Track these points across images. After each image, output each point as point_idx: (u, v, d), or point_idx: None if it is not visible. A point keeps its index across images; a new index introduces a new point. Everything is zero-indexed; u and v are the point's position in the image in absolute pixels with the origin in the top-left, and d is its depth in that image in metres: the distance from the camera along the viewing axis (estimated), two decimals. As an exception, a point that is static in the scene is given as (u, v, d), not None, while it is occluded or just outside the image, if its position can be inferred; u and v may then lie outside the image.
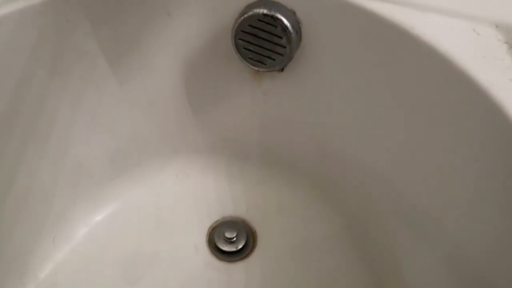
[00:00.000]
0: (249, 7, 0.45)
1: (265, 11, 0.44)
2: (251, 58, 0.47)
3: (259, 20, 0.44)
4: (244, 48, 0.47)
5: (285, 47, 0.45)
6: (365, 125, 0.48)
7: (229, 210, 0.58)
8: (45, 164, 0.50)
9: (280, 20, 0.43)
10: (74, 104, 0.50)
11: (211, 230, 0.56)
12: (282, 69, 0.50)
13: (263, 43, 0.46)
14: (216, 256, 0.53)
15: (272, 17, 0.44)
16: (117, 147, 0.56)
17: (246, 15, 0.44)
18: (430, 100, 0.40)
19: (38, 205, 0.51)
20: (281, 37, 0.45)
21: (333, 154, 0.53)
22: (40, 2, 0.41)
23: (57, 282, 0.51)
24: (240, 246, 0.54)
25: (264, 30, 0.45)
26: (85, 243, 0.54)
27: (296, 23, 0.45)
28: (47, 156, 0.50)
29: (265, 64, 0.47)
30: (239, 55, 0.48)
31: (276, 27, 0.44)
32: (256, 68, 0.48)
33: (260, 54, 0.47)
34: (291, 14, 0.45)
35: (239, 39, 0.46)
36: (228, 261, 0.53)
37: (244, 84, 0.52)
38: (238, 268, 0.53)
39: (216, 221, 0.57)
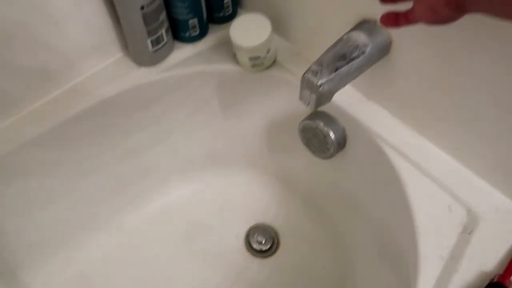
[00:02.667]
0: (316, 113, 0.63)
1: (320, 126, 0.61)
2: (307, 144, 0.66)
3: (315, 129, 0.62)
4: (304, 137, 0.65)
5: (330, 150, 0.63)
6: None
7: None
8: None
9: (331, 138, 0.61)
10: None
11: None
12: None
13: (316, 141, 0.64)
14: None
15: (325, 133, 0.61)
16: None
17: (308, 121, 0.62)
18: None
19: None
20: (328, 144, 0.62)
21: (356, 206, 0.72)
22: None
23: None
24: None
25: (317, 136, 0.63)
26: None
27: (342, 138, 0.62)
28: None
29: (315, 153, 0.66)
30: (301, 139, 0.67)
31: (326, 139, 0.62)
32: (309, 151, 0.67)
33: (313, 145, 0.65)
34: (341, 129, 0.61)
35: (301, 131, 0.65)
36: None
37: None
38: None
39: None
